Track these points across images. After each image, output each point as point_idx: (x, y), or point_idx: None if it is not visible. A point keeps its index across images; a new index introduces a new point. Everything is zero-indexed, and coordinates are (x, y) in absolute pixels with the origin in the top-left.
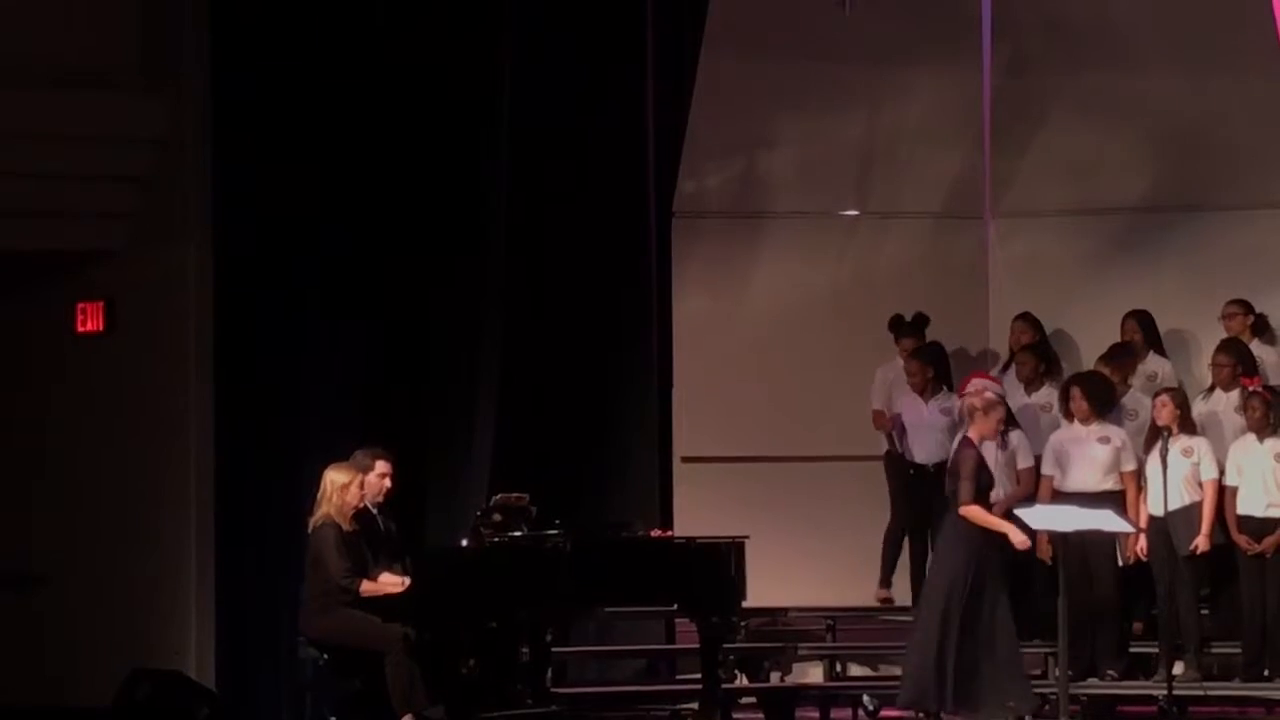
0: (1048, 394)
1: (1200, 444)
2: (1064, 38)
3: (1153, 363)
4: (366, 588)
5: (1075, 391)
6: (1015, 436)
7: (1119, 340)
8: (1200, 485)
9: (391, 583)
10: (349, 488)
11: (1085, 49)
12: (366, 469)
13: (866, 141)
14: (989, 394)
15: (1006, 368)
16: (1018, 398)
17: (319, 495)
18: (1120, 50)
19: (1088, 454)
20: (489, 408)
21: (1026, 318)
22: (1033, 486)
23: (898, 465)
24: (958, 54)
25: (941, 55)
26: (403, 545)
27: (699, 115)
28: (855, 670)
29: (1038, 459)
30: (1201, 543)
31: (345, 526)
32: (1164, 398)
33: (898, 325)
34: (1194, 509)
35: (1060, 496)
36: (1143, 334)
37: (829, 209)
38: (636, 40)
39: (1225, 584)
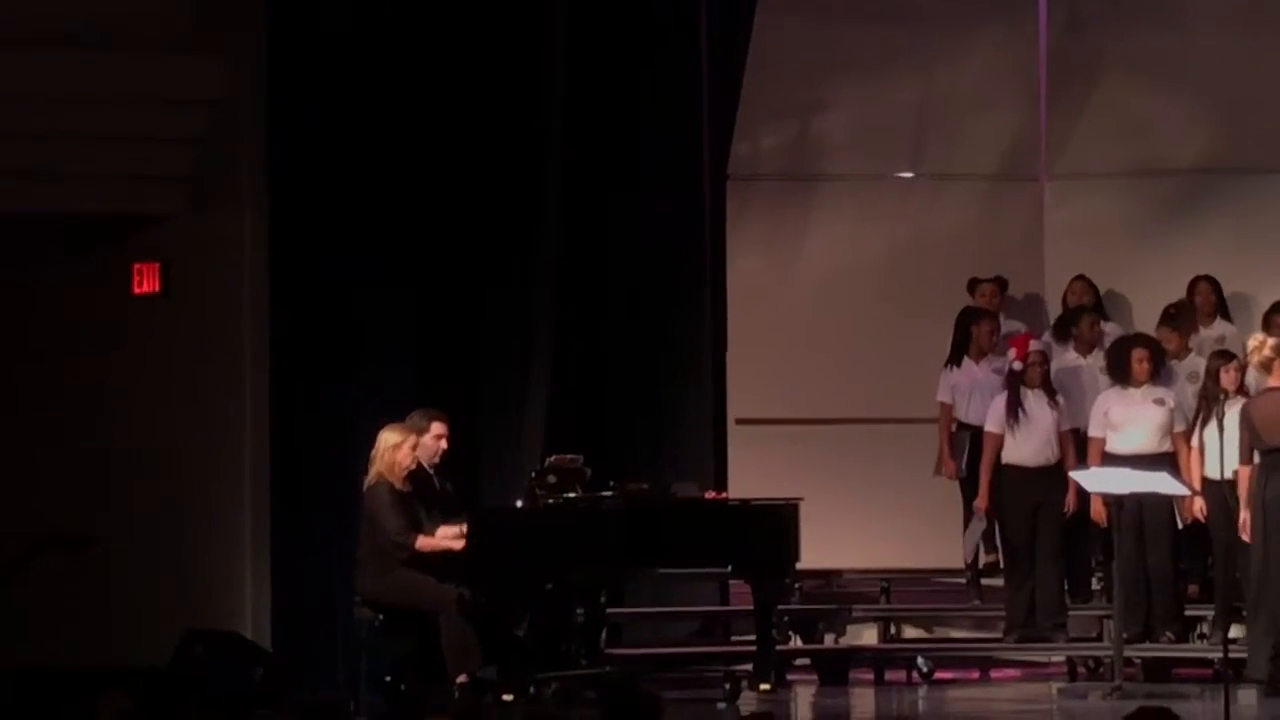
0: (1099, 357)
1: None
2: None
3: (1219, 327)
4: (423, 543)
5: (1143, 353)
6: (1059, 400)
7: (1177, 302)
8: None
9: (449, 535)
10: (401, 448)
11: (1142, 10)
12: (421, 430)
13: (921, 104)
14: (1274, 340)
15: (1058, 329)
16: (1068, 360)
17: (372, 454)
18: (1177, 11)
19: (1143, 416)
20: (543, 369)
21: (1085, 279)
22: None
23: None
24: (1013, 15)
25: (997, 17)
26: (459, 505)
27: (753, 77)
28: (910, 633)
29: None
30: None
31: (398, 486)
32: (1236, 363)
33: (975, 281)
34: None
35: (1113, 459)
36: (1214, 298)
37: (884, 171)
38: (691, 2)
39: None
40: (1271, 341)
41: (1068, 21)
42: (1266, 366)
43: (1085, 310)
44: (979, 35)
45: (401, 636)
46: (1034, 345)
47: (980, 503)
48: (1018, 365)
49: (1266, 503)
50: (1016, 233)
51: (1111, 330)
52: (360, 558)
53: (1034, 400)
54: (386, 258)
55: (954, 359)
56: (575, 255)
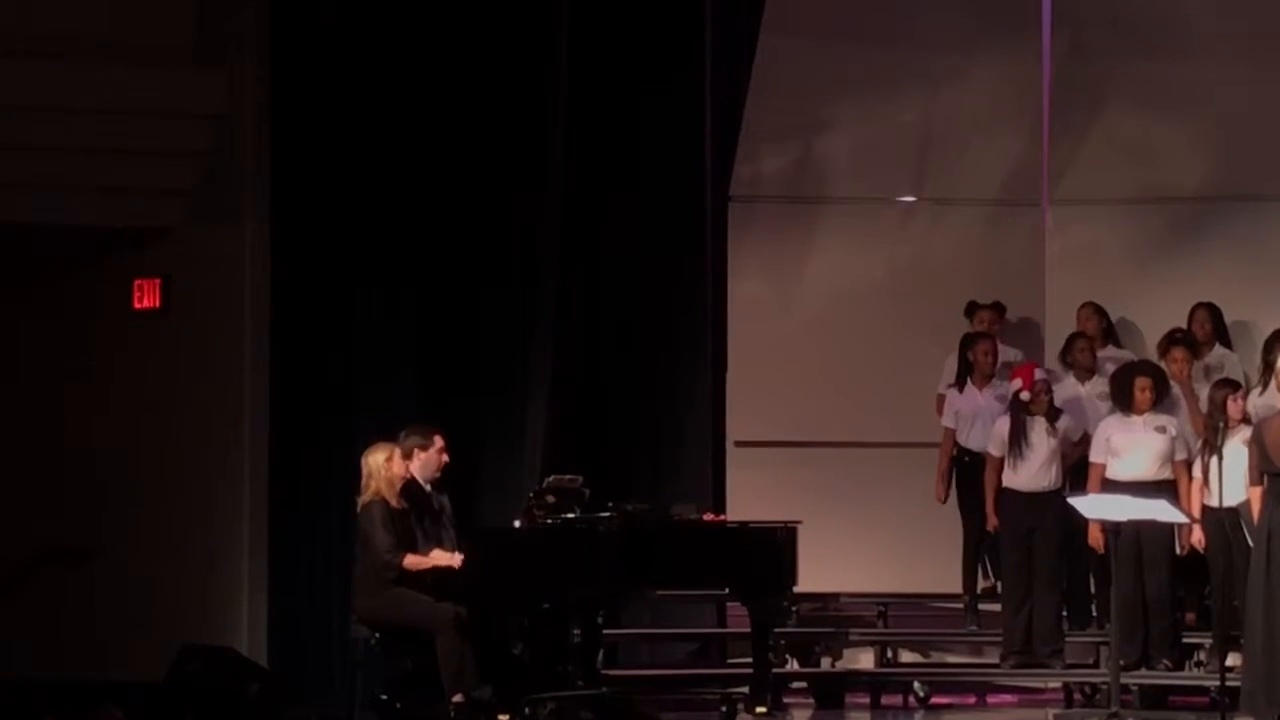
0: (1100, 383)
1: None
2: (1124, 25)
3: (1218, 354)
4: (412, 561)
5: (1146, 381)
6: (1064, 421)
7: (1176, 329)
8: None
9: (440, 557)
10: (392, 461)
11: (1145, 36)
12: (424, 445)
13: (924, 127)
14: None
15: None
16: (1067, 387)
17: (364, 478)
18: (1180, 38)
19: (1144, 443)
20: (543, 389)
21: (1094, 305)
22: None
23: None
24: (1017, 40)
25: (1001, 41)
26: (455, 522)
27: (756, 99)
28: (906, 657)
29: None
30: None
31: (394, 504)
32: (1242, 391)
33: (974, 305)
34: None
35: (1113, 485)
36: (1212, 325)
37: (885, 194)
38: (695, 24)
39: None
40: None
41: (1071, 48)
42: None
43: (1079, 336)
44: (982, 59)
45: (398, 655)
46: (1039, 374)
47: (991, 524)
48: (1025, 395)
49: (1272, 530)
50: (1017, 258)
51: (1122, 356)
52: (356, 577)
53: (1035, 427)
54: (387, 274)
55: (958, 383)
56: (576, 275)
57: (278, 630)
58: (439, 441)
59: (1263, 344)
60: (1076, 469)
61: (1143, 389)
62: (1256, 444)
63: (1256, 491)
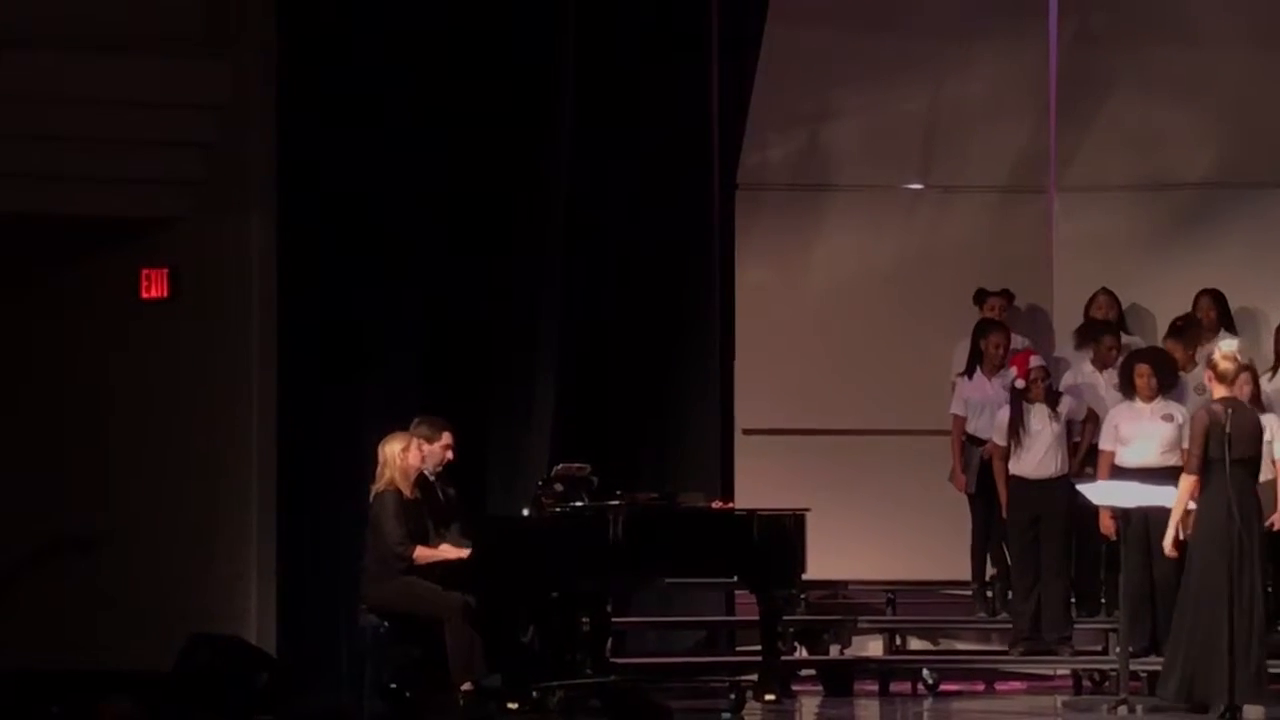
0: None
1: (1272, 421)
2: (1131, 11)
3: (1223, 340)
4: (422, 554)
5: (1144, 368)
6: (1065, 404)
7: (1183, 315)
8: (1275, 463)
9: (450, 551)
10: (409, 451)
11: (1152, 23)
12: (431, 439)
13: (931, 114)
14: (1240, 357)
15: (1080, 338)
16: (1084, 373)
17: (379, 466)
18: (1187, 25)
19: (1151, 430)
20: (550, 378)
21: (1109, 293)
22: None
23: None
24: (1024, 27)
25: (1007, 28)
26: (463, 511)
27: (764, 87)
28: (915, 644)
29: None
30: (1277, 520)
31: (408, 493)
32: (1246, 375)
33: (982, 292)
34: (1270, 486)
35: (1121, 472)
36: (1216, 312)
37: (893, 182)
38: (702, 11)
39: None
40: (1240, 358)
41: (1078, 34)
42: (1227, 378)
43: (1109, 330)
44: (989, 47)
45: (406, 643)
46: (1034, 361)
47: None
48: (1020, 383)
49: (1243, 515)
50: (1025, 245)
51: (1133, 342)
52: (366, 564)
53: (1036, 415)
54: (393, 264)
55: (968, 370)
56: (583, 264)
57: (286, 619)
58: (447, 438)
59: (1275, 331)
60: (1092, 454)
61: (1141, 375)
62: (1215, 431)
63: (1191, 480)
